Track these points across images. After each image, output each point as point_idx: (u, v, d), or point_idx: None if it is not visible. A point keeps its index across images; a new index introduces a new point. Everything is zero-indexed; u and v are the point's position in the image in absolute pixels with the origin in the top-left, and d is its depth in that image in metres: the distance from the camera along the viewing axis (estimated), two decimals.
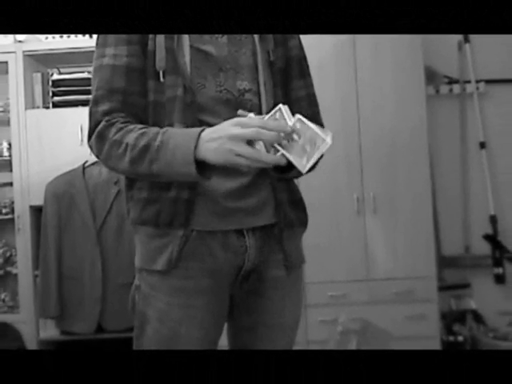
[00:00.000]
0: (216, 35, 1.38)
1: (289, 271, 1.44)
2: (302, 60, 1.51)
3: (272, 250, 1.42)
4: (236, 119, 1.20)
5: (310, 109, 1.49)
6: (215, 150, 1.18)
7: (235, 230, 1.37)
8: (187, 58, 1.34)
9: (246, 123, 1.18)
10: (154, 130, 1.28)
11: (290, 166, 1.33)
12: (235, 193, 1.36)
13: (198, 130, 1.22)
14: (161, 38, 1.34)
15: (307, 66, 1.52)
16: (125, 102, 1.34)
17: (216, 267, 1.36)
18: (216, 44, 1.38)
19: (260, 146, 1.18)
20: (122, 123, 1.31)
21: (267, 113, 1.27)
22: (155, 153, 1.24)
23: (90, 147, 1.36)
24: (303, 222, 1.49)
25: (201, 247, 1.35)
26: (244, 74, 1.39)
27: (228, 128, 1.19)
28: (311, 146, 1.18)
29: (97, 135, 1.32)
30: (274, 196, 1.41)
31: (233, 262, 1.37)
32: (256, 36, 1.42)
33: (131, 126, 1.30)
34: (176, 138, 1.23)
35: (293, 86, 1.48)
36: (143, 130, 1.28)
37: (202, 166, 1.21)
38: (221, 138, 1.18)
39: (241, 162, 1.17)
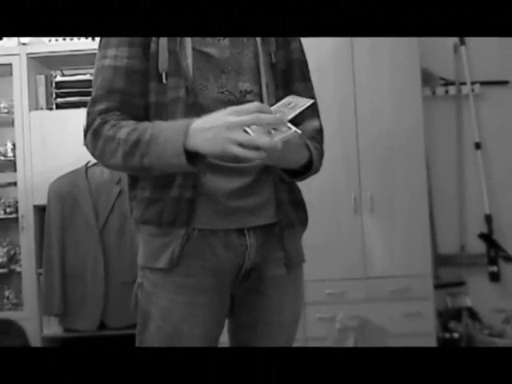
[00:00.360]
0: (218, 37, 1.39)
1: (289, 270, 1.44)
2: (303, 63, 1.51)
3: (272, 248, 1.42)
4: (229, 108, 1.18)
5: (311, 112, 1.47)
6: (210, 140, 1.15)
7: (236, 229, 1.37)
8: (189, 60, 1.35)
9: (242, 110, 1.16)
10: (146, 124, 1.27)
11: (300, 170, 1.36)
12: (237, 192, 1.36)
13: (188, 121, 1.20)
14: (164, 41, 1.34)
15: (308, 70, 1.53)
16: (123, 102, 1.34)
17: (217, 265, 1.36)
18: (218, 46, 1.39)
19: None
20: (116, 120, 1.31)
21: None
22: (146, 146, 1.23)
23: (86, 146, 1.35)
24: (303, 222, 1.50)
25: (202, 246, 1.35)
26: (246, 76, 1.40)
27: (223, 117, 1.16)
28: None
29: (92, 133, 1.32)
30: (276, 196, 1.41)
31: (233, 261, 1.38)
32: (258, 38, 1.43)
33: (124, 122, 1.29)
34: (166, 131, 1.22)
35: (294, 89, 1.48)
36: (135, 126, 1.27)
37: (194, 157, 1.20)
38: (216, 128, 1.15)
39: (238, 152, 1.13)
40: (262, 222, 1.40)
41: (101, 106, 1.33)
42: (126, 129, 1.27)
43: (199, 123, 1.19)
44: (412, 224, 3.40)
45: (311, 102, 1.21)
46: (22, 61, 3.48)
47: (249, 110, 1.16)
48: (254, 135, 1.12)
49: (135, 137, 1.25)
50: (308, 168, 1.39)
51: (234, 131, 1.14)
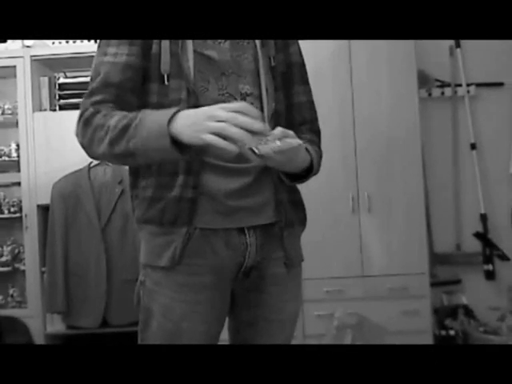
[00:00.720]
0: (219, 40, 1.40)
1: (288, 269, 1.46)
2: (302, 66, 1.53)
3: (272, 247, 1.43)
4: (219, 105, 1.21)
5: (310, 114, 1.53)
6: (189, 127, 1.17)
7: (236, 228, 1.39)
8: (191, 63, 1.37)
9: (230, 108, 1.18)
10: (136, 112, 1.27)
11: (300, 174, 1.40)
12: (237, 192, 1.38)
13: (177, 107, 1.23)
14: (166, 43, 1.36)
15: (306, 73, 1.55)
16: (118, 96, 1.34)
17: (218, 264, 1.38)
18: (218, 49, 1.40)
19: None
20: (108, 111, 1.31)
21: (269, 115, 1.34)
22: (133, 130, 1.23)
23: (77, 136, 1.35)
24: (302, 222, 1.52)
25: (203, 244, 1.36)
26: (246, 78, 1.42)
27: (210, 109, 1.19)
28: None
29: (83, 121, 1.33)
30: (275, 196, 1.43)
31: (234, 259, 1.39)
32: (257, 42, 1.45)
33: (116, 112, 1.30)
34: (153, 115, 1.23)
35: (294, 91, 1.50)
36: (126, 114, 1.27)
37: (181, 146, 1.21)
38: (198, 116, 1.17)
39: (211, 140, 1.15)
40: (261, 221, 1.42)
41: (95, 98, 1.34)
42: (117, 117, 1.28)
43: (186, 112, 1.21)
44: (409, 223, 3.42)
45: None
46: (25, 63, 3.51)
47: (236, 109, 1.18)
48: (227, 124, 1.15)
49: (124, 123, 1.26)
50: (309, 171, 1.42)
51: (211, 121, 1.16)
